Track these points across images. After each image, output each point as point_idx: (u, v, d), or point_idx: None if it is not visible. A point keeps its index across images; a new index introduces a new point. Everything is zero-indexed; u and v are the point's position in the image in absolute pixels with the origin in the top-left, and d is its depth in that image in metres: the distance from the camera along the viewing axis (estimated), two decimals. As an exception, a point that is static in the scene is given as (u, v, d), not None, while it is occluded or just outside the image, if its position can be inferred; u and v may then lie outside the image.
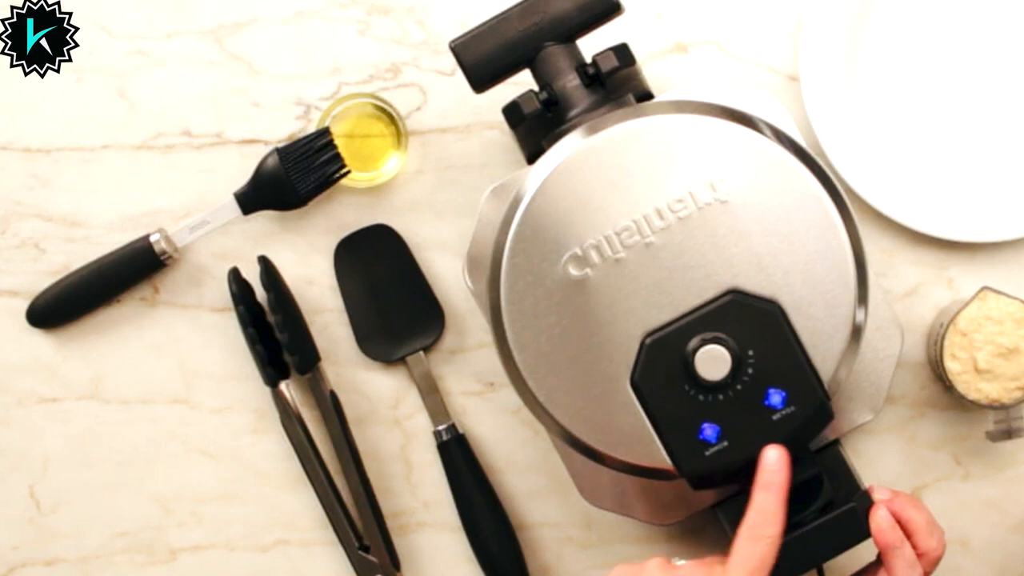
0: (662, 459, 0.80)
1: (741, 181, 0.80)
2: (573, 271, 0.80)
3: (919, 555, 0.82)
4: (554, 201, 0.81)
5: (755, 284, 0.79)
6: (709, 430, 0.79)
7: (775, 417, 0.79)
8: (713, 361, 0.78)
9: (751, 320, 0.79)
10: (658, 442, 0.79)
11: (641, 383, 0.79)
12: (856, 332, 0.80)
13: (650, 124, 0.81)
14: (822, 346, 0.79)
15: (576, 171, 0.81)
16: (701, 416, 0.79)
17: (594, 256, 0.80)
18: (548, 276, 0.80)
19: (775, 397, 0.79)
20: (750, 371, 0.78)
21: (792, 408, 0.78)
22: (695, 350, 0.78)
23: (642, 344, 0.79)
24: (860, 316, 0.80)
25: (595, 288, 0.80)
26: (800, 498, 0.82)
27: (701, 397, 0.79)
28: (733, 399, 0.79)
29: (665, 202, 0.80)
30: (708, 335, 0.78)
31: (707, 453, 0.79)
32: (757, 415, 0.79)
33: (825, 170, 0.81)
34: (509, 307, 0.81)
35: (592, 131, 0.81)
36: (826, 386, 0.80)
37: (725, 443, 0.79)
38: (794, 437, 0.79)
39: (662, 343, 0.79)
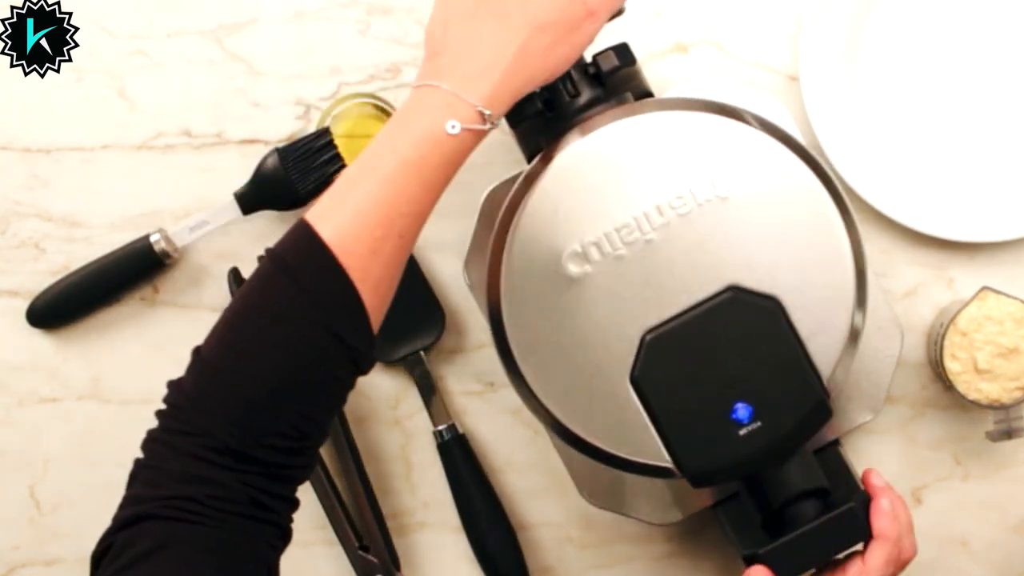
0: (660, 456, 0.80)
1: (741, 178, 0.80)
2: (573, 268, 0.80)
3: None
4: (553, 199, 0.81)
5: (755, 281, 0.79)
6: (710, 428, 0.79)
7: (742, 432, 0.79)
8: None
9: (751, 317, 0.79)
10: (657, 439, 0.79)
11: (641, 380, 0.79)
12: (855, 331, 0.80)
13: (650, 121, 0.81)
14: (821, 344, 0.79)
15: (575, 169, 0.81)
16: (701, 415, 0.79)
17: (594, 253, 0.80)
18: (548, 274, 0.80)
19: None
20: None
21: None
22: None
23: (642, 341, 0.79)
24: (859, 315, 0.80)
25: (595, 285, 0.80)
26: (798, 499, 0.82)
27: (701, 400, 0.79)
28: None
29: (665, 199, 0.80)
30: None
31: (706, 451, 0.79)
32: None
33: (825, 169, 0.81)
34: (508, 306, 0.81)
35: (590, 128, 0.81)
36: (825, 384, 0.79)
37: (728, 443, 0.79)
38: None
39: (662, 340, 0.79)
